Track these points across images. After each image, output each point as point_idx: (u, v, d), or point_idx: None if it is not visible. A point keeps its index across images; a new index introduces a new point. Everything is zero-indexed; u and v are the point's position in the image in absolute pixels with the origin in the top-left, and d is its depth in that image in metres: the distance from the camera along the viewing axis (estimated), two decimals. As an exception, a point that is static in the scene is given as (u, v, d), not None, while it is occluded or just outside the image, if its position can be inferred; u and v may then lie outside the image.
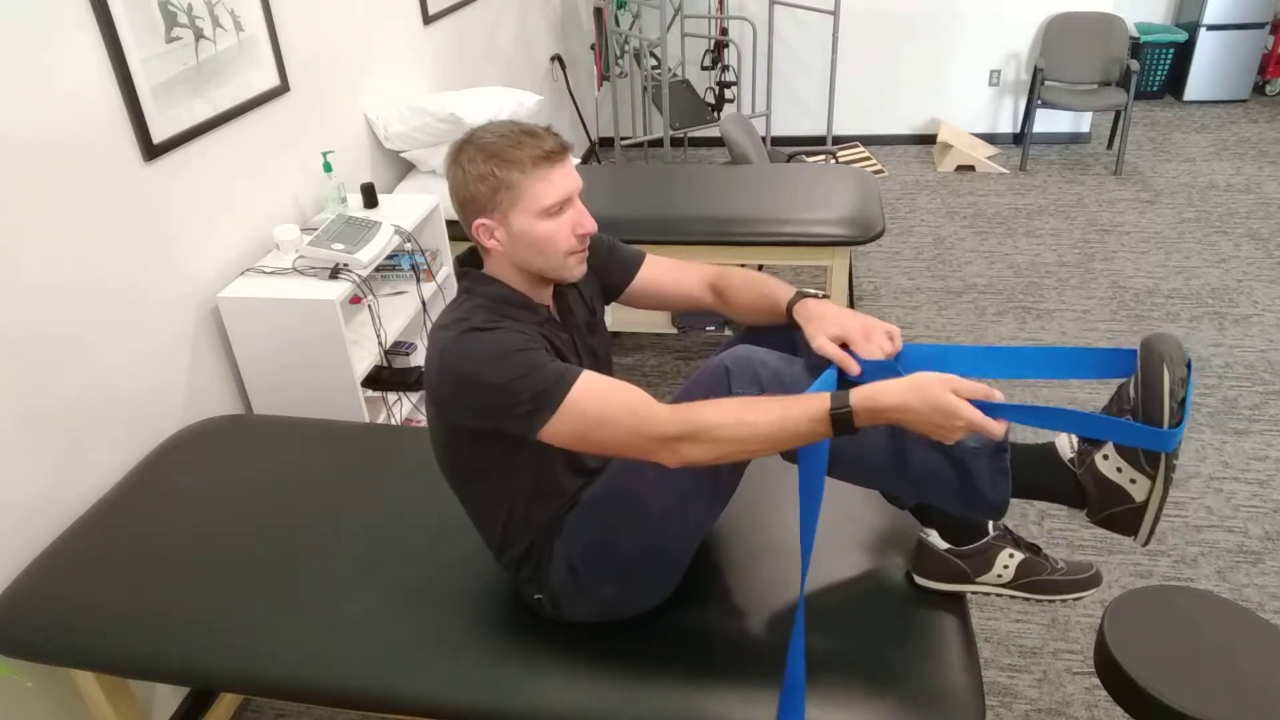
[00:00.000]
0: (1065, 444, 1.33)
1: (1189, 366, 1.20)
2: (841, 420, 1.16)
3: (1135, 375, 1.23)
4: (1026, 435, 1.96)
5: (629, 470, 1.34)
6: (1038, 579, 1.41)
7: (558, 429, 1.21)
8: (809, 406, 1.17)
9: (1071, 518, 2.50)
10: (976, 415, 1.15)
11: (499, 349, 1.22)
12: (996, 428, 1.16)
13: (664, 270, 1.55)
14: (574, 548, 1.37)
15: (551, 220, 1.28)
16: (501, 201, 1.27)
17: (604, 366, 1.49)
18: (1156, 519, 1.25)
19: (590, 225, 1.32)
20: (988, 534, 1.41)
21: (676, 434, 1.18)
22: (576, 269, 1.35)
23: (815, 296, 1.39)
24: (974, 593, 1.44)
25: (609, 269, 1.54)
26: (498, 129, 1.29)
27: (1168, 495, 1.22)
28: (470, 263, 1.40)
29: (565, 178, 1.28)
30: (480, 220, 1.30)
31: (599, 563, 1.36)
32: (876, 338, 1.31)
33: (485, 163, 1.26)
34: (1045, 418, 1.23)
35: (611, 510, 1.36)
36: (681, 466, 1.21)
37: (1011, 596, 1.43)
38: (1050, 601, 1.43)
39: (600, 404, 1.20)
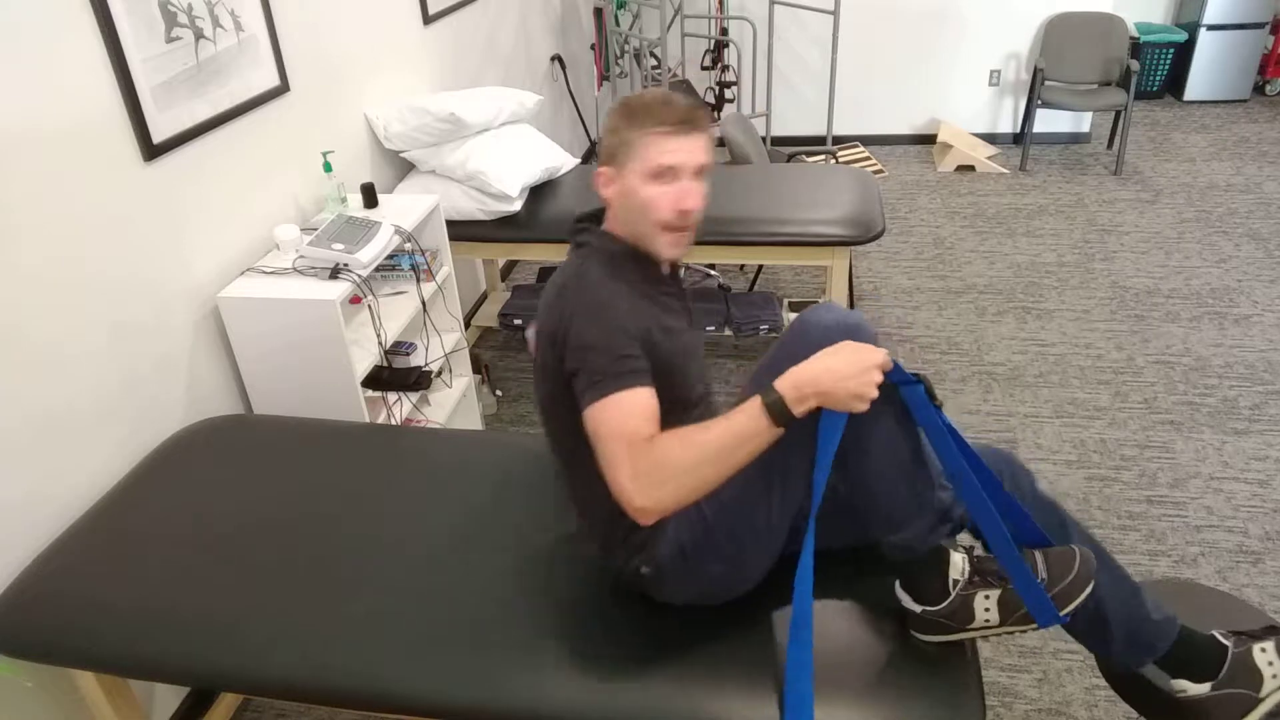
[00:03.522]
0: (958, 562, 1.32)
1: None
2: (775, 406, 1.19)
3: (1061, 561, 1.27)
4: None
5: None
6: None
7: (588, 419, 1.24)
8: (746, 406, 1.21)
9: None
10: (881, 353, 1.20)
11: (602, 309, 1.27)
12: (887, 359, 1.22)
13: None
14: (682, 531, 1.34)
15: (656, 186, 1.30)
16: (619, 156, 1.33)
17: (699, 335, 1.52)
18: (972, 645, 1.34)
19: (691, 202, 1.31)
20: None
21: (640, 465, 1.19)
22: (668, 248, 1.35)
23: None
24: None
25: None
26: (649, 92, 1.35)
27: (996, 638, 1.31)
28: (588, 220, 1.44)
29: (684, 149, 1.29)
30: (602, 169, 1.37)
31: (709, 543, 1.34)
32: None
33: (618, 117, 1.33)
34: (989, 514, 1.27)
35: (719, 492, 1.32)
36: (655, 517, 1.22)
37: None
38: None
39: (615, 420, 1.22)
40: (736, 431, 1.20)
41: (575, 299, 1.29)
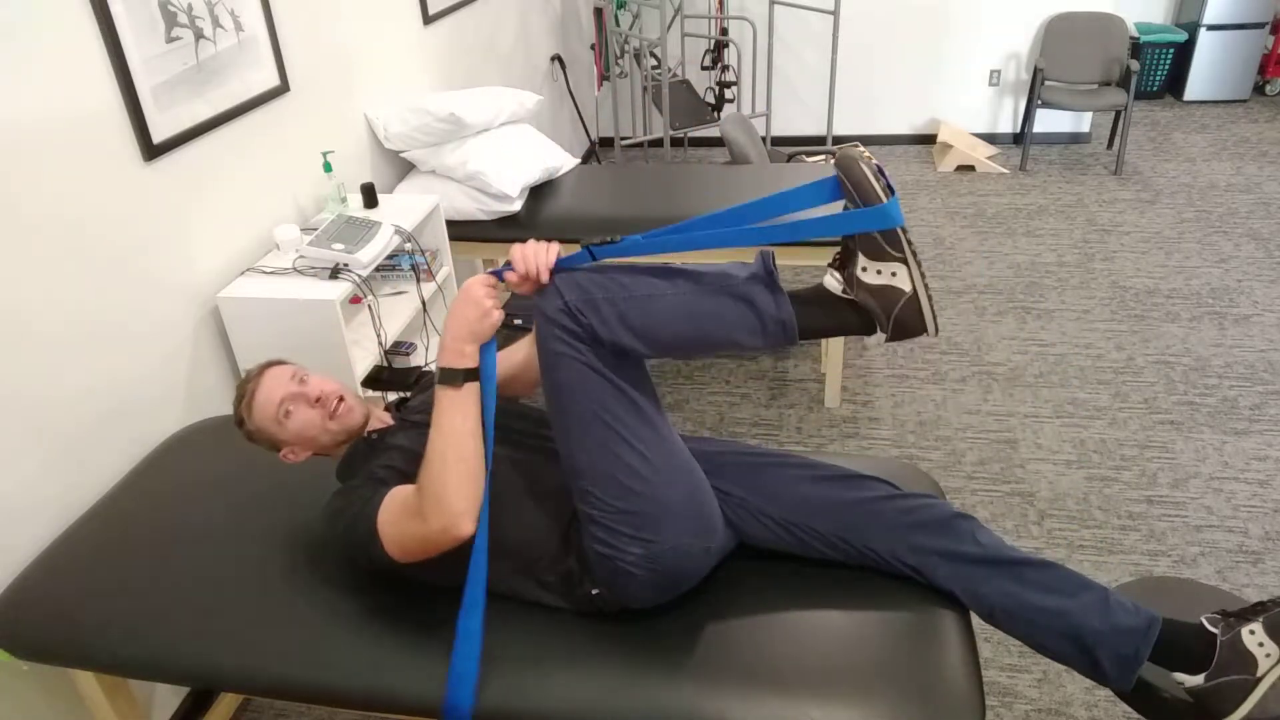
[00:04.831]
0: (832, 282, 1.39)
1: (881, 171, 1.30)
2: (444, 373, 1.33)
3: (844, 187, 1.31)
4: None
5: (563, 440, 1.38)
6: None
7: (389, 550, 1.35)
8: (436, 393, 1.34)
9: (1072, 518, 2.51)
10: (475, 279, 1.36)
11: (337, 517, 1.42)
12: (485, 278, 1.37)
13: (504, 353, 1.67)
14: (590, 541, 1.37)
15: (291, 418, 1.50)
16: (270, 438, 1.53)
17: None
18: (930, 301, 1.34)
19: (318, 390, 1.51)
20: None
21: (422, 506, 1.29)
22: (346, 421, 1.53)
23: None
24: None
25: None
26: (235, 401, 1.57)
27: (925, 273, 1.32)
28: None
29: (271, 387, 1.51)
30: (280, 455, 1.56)
31: (615, 531, 1.35)
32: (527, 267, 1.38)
33: (243, 427, 1.55)
34: (783, 231, 1.33)
35: (580, 484, 1.38)
36: (471, 525, 1.29)
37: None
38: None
39: (390, 516, 1.35)
40: (442, 418, 1.32)
41: (325, 522, 1.45)
